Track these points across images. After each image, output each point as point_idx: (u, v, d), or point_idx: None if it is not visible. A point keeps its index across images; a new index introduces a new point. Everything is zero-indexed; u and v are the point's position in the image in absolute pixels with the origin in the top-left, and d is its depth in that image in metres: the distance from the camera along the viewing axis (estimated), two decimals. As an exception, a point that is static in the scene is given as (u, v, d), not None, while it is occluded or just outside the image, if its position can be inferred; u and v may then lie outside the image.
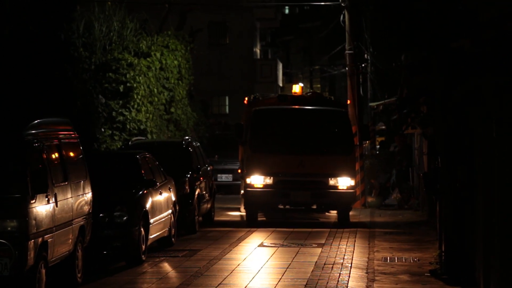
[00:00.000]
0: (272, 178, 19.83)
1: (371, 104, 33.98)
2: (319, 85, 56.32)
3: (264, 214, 21.88)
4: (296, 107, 20.67)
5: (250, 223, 19.82)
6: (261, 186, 19.78)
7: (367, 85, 39.06)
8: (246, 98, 21.58)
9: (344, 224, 20.00)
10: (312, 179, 19.86)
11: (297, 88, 22.13)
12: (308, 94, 21.94)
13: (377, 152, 29.92)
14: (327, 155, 20.09)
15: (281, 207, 20.91)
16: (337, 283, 12.76)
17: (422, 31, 13.15)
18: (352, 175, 20.21)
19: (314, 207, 20.85)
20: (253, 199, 19.82)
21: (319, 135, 20.30)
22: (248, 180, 19.87)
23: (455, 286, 12.49)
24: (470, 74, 11.32)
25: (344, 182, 20.02)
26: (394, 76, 30.16)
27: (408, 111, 25.68)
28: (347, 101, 24.72)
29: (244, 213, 20.86)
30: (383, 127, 37.52)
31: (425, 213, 22.32)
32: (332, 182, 19.98)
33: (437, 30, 12.36)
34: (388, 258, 15.46)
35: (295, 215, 21.95)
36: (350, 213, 20.86)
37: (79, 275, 12.49)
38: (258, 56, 45.34)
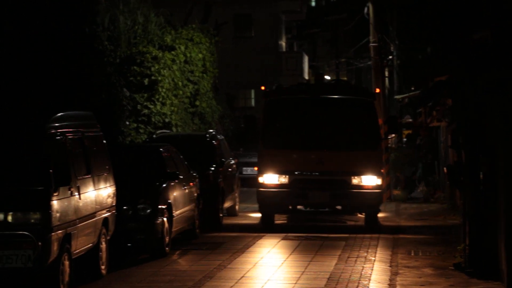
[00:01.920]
0: (287, 177, 17.67)
1: (396, 96, 33.86)
2: (345, 78, 56.14)
3: (284, 216, 19.98)
4: (315, 96, 18.30)
5: (266, 226, 17.99)
6: (275, 185, 17.70)
7: (393, 78, 38.89)
8: (263, 87, 19.19)
9: (371, 229, 17.78)
10: (332, 177, 17.69)
11: (318, 75, 21.37)
12: (332, 82, 20.42)
13: (404, 145, 29.79)
14: (349, 151, 17.85)
15: (300, 207, 18.56)
16: (360, 276, 12.74)
17: (444, 22, 13.08)
18: (378, 173, 17.86)
19: (339, 208, 18.44)
20: (267, 200, 17.75)
21: (341, 128, 18.04)
22: (261, 179, 17.80)
23: (479, 279, 12.42)
24: (492, 65, 11.24)
25: (369, 181, 17.72)
26: (420, 68, 30.03)
27: (433, 104, 25.60)
28: (375, 90, 22.39)
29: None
30: (410, 120, 37.36)
31: (451, 206, 22.22)
32: (355, 181, 17.70)
33: (458, 21, 12.30)
34: (412, 252, 15.41)
35: (320, 218, 19.82)
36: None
37: (103, 267, 12.57)
38: (284, 49, 45.31)
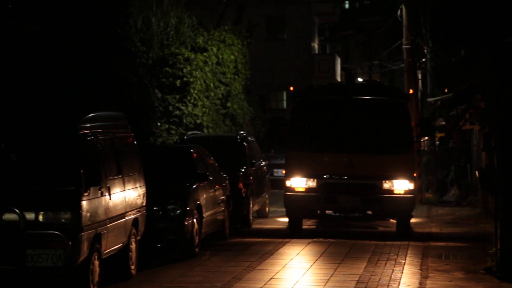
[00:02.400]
0: (315, 180, 17.03)
1: (429, 99, 33.68)
2: (378, 80, 55.93)
3: (312, 221, 19.52)
4: (345, 97, 17.62)
5: (293, 232, 17.34)
6: (303, 189, 17.08)
7: (426, 80, 38.69)
8: (292, 88, 18.67)
9: (402, 236, 17.03)
10: (362, 181, 16.96)
11: (349, 76, 21.12)
12: (363, 82, 19.48)
13: (436, 148, 29.65)
14: (381, 154, 17.12)
15: (329, 212, 18.15)
16: (390, 279, 12.68)
17: (477, 26, 13.00)
18: (411, 177, 17.14)
19: (369, 213, 18.00)
20: (294, 205, 17.11)
21: (372, 130, 17.32)
22: (288, 183, 17.16)
23: (510, 283, 12.32)
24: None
25: (401, 186, 17.04)
26: (453, 71, 29.86)
27: (466, 107, 25.45)
28: (408, 91, 21.27)
29: None
30: (443, 122, 37.16)
31: (483, 210, 22.05)
32: (386, 185, 17.00)
33: (491, 25, 12.21)
34: (443, 255, 15.30)
35: (350, 223, 19.25)
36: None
37: (132, 267, 12.62)
38: (316, 51, 45.24)
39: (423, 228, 19.06)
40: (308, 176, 17.09)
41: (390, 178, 16.99)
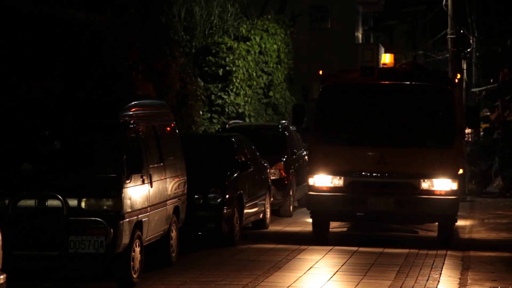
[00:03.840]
0: (342, 178, 14.70)
1: (474, 89, 33.42)
2: (421, 64, 55.56)
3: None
4: (380, 82, 15.09)
5: (317, 236, 15.21)
6: (328, 189, 14.77)
7: (471, 70, 38.36)
8: (321, 72, 15.63)
9: (445, 244, 14.74)
10: (397, 180, 14.61)
11: (387, 58, 16.06)
12: (404, 66, 15.78)
13: (481, 139, 29.40)
14: (419, 148, 14.72)
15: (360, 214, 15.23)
16: (431, 270, 12.57)
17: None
18: (454, 175, 14.68)
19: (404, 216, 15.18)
20: (318, 206, 14.86)
21: (409, 121, 14.93)
22: (311, 181, 14.88)
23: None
24: None
25: (442, 185, 14.60)
26: (499, 61, 29.59)
27: (511, 97, 25.19)
28: (456, 76, 17.89)
29: None
30: (488, 113, 36.85)
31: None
32: (425, 185, 14.61)
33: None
34: (486, 247, 15.14)
35: (387, 224, 16.81)
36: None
37: (173, 254, 12.70)
38: (360, 41, 45.03)
39: (464, 231, 16.94)
40: (335, 173, 14.76)
41: (429, 176, 14.59)
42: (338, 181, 14.78)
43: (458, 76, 18.07)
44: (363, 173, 14.74)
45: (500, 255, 13.93)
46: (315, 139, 15.15)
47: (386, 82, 15.13)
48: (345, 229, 16.72)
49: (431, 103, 15.07)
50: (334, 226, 16.33)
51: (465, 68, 35.32)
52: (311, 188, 14.94)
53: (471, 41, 35.67)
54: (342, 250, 14.03)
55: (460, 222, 16.35)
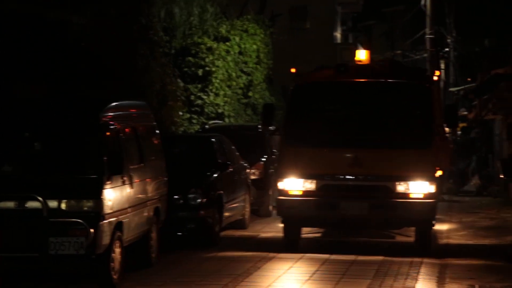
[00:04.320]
0: (314, 182, 13.86)
1: (452, 89, 33.60)
2: (398, 60, 55.77)
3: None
4: (354, 80, 14.32)
5: (289, 243, 14.27)
6: (299, 193, 13.90)
7: (449, 70, 38.59)
8: (294, 69, 14.82)
9: (422, 249, 14.08)
10: (371, 183, 13.86)
11: (362, 55, 14.89)
12: (380, 63, 14.99)
13: (458, 138, 29.63)
14: (394, 149, 13.94)
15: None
16: (412, 260, 12.59)
17: (501, 16, 12.95)
18: (431, 177, 13.89)
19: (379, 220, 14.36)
20: (289, 212, 13.95)
21: (384, 120, 14.20)
22: (281, 185, 14.02)
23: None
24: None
25: (419, 188, 13.78)
26: (477, 61, 29.81)
27: (489, 97, 25.40)
28: (434, 73, 16.76)
29: None
30: (465, 112, 37.11)
31: (504, 200, 22.03)
32: (401, 188, 13.79)
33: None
34: (463, 246, 15.25)
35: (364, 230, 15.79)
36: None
37: (153, 255, 12.74)
38: (339, 41, 45.15)
39: (441, 236, 16.21)
40: (306, 176, 13.89)
41: (406, 179, 13.79)
42: (309, 185, 13.94)
43: (437, 73, 17.26)
44: (336, 176, 13.94)
45: (478, 263, 13.27)
46: (285, 140, 14.28)
47: (361, 80, 14.37)
48: (318, 234, 15.84)
49: (408, 101, 14.36)
50: (308, 231, 15.38)
51: (443, 68, 35.52)
52: (281, 192, 14.03)
53: (448, 41, 35.89)
54: (313, 259, 13.19)
55: (437, 226, 15.75)
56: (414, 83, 14.39)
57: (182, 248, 14.30)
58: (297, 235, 14.45)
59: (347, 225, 14.49)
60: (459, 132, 31.15)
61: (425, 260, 13.32)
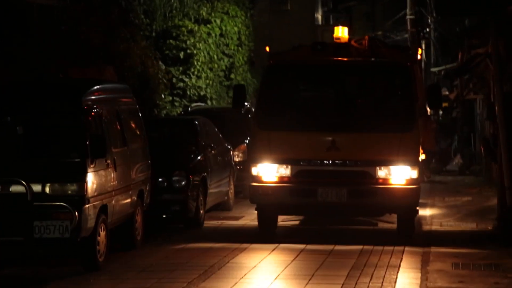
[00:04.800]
0: (289, 167, 13.09)
1: (433, 69, 33.69)
2: (378, 38, 55.86)
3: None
4: (331, 59, 13.46)
5: (263, 233, 13.57)
6: (274, 180, 13.15)
7: (429, 51, 38.68)
8: (268, 48, 13.99)
9: (405, 237, 13.38)
10: (350, 168, 13.09)
11: (340, 32, 13.94)
12: (359, 40, 13.88)
13: (440, 118, 29.74)
14: (375, 133, 13.17)
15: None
16: (393, 249, 12.42)
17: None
18: (414, 162, 13.12)
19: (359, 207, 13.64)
20: (263, 199, 13.22)
21: (363, 102, 13.50)
22: (254, 171, 13.26)
23: (511, 246, 12.49)
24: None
25: (400, 174, 13.08)
26: (457, 41, 29.89)
27: (470, 77, 25.48)
28: (417, 51, 15.51)
29: None
30: (446, 92, 37.26)
31: (486, 179, 22.18)
32: (381, 173, 13.06)
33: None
34: (446, 223, 15.37)
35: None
36: None
37: (138, 237, 12.75)
38: (320, 22, 45.12)
39: (425, 221, 15.54)
40: (281, 161, 13.12)
41: (387, 163, 13.04)
42: (284, 171, 13.14)
43: (420, 51, 15.95)
44: (313, 161, 13.14)
45: (462, 251, 12.49)
46: (257, 124, 13.40)
47: (338, 59, 13.46)
48: (296, 222, 15.06)
49: (389, 81, 13.60)
50: (285, 218, 14.71)
51: (424, 48, 35.61)
52: (255, 178, 13.22)
53: (429, 21, 35.96)
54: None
55: (421, 211, 15.02)
56: (394, 62, 13.55)
57: (167, 230, 14.30)
58: (273, 223, 13.73)
59: (325, 213, 13.69)
60: (441, 112, 31.31)
61: (408, 248, 12.57)
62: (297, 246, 12.58)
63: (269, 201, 13.24)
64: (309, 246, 12.63)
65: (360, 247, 12.58)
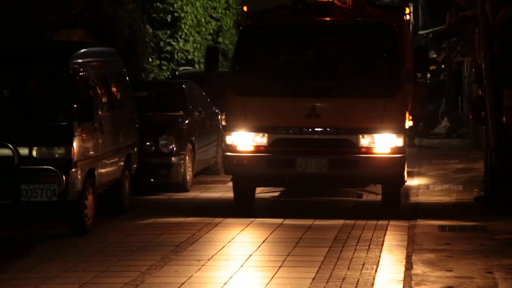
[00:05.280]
0: (266, 135, 12.25)
1: (421, 32, 33.64)
2: None
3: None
4: (309, 20, 12.63)
5: (240, 204, 12.80)
6: (249, 149, 12.28)
7: (417, 13, 38.60)
8: (246, 7, 13.38)
9: (390, 210, 12.54)
10: (331, 137, 12.24)
11: None
12: (341, 0, 12.94)
13: (428, 81, 29.77)
14: (357, 97, 12.33)
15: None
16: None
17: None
18: (399, 129, 12.26)
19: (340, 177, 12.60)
20: (238, 170, 12.34)
21: (345, 66, 12.70)
22: (228, 139, 12.40)
23: (497, 209, 12.59)
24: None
25: (385, 142, 12.21)
26: (445, 3, 29.84)
27: (458, 39, 25.48)
28: (404, 10, 14.58)
29: None
30: (434, 55, 37.27)
31: (474, 142, 22.27)
32: (364, 141, 12.19)
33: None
34: (433, 186, 15.43)
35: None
36: None
37: (126, 201, 12.77)
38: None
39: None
40: (256, 130, 12.26)
41: (370, 131, 12.17)
42: (261, 139, 12.26)
43: (407, 10, 14.81)
44: (291, 129, 12.26)
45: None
46: (232, 89, 12.47)
47: (318, 19, 12.61)
48: (276, 193, 14.16)
49: (373, 43, 12.71)
50: (263, 190, 13.91)
51: (412, 11, 35.53)
52: (229, 148, 12.36)
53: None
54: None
55: (408, 180, 13.89)
56: (378, 22, 12.63)
57: (155, 194, 14.33)
58: (249, 196, 12.88)
59: (305, 184, 12.80)
60: (428, 75, 31.32)
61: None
62: (274, 221, 11.65)
63: (244, 172, 12.34)
64: (287, 221, 11.69)
65: (341, 221, 11.66)
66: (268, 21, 12.77)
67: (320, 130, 12.27)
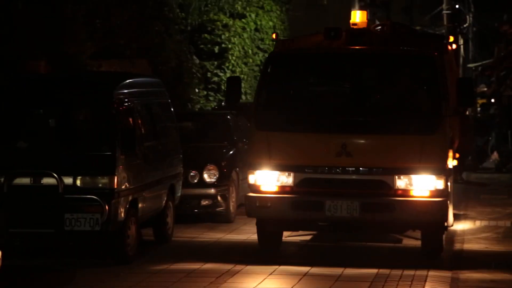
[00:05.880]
0: (292, 175, 11.11)
1: (470, 65, 33.38)
2: (403, 24, 55.46)
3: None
4: (343, 48, 11.42)
5: (266, 249, 11.68)
6: (274, 190, 11.17)
7: (468, 46, 38.36)
8: (274, 35, 12.02)
9: (431, 259, 11.36)
10: (363, 177, 11.12)
11: (357, 17, 11.92)
12: (378, 28, 12.10)
13: (478, 115, 29.47)
14: (392, 134, 11.15)
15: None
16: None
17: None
18: (439, 170, 11.09)
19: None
20: (262, 212, 11.19)
21: (379, 99, 11.57)
22: (252, 178, 11.31)
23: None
24: None
25: (423, 184, 11.04)
26: (495, 36, 29.62)
27: (507, 72, 25.22)
28: (448, 38, 13.59)
29: None
30: (484, 88, 36.95)
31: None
32: (401, 183, 11.04)
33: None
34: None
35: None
36: None
37: (169, 231, 12.75)
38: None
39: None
40: (282, 168, 11.14)
41: (407, 172, 11.01)
42: (286, 179, 11.13)
43: (451, 38, 13.81)
44: (319, 168, 11.15)
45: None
46: (256, 124, 11.37)
47: (351, 48, 11.37)
48: (308, 237, 12.86)
49: (411, 74, 11.56)
50: (293, 232, 12.57)
51: (462, 43, 35.33)
52: (252, 188, 11.28)
53: (467, 16, 35.69)
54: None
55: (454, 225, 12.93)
56: (418, 51, 11.47)
57: (198, 225, 14.28)
58: (275, 240, 11.74)
59: (334, 229, 11.56)
60: (478, 109, 31.01)
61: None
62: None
63: (268, 215, 11.19)
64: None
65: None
66: (295, 48, 11.63)
67: (352, 170, 11.12)
